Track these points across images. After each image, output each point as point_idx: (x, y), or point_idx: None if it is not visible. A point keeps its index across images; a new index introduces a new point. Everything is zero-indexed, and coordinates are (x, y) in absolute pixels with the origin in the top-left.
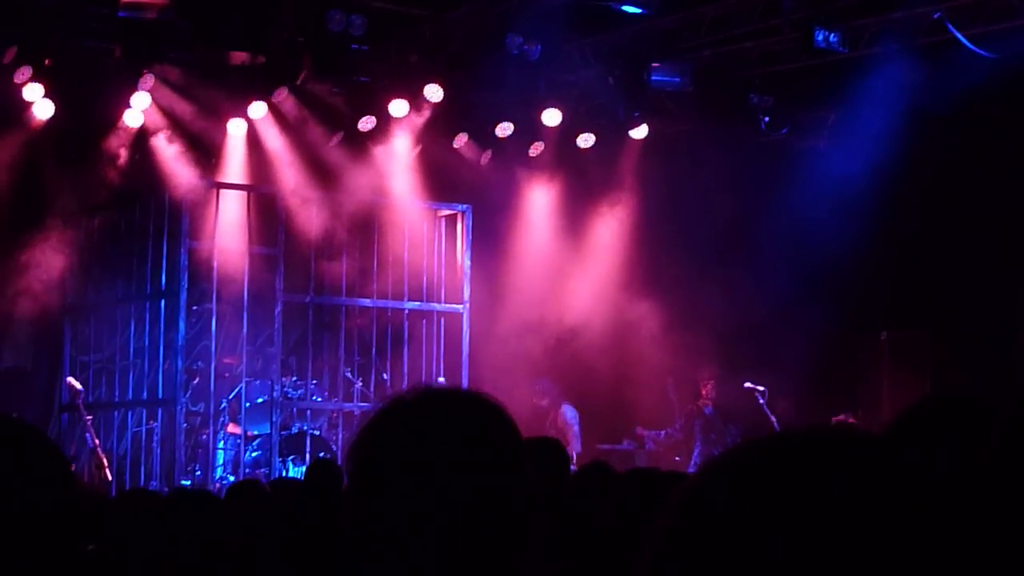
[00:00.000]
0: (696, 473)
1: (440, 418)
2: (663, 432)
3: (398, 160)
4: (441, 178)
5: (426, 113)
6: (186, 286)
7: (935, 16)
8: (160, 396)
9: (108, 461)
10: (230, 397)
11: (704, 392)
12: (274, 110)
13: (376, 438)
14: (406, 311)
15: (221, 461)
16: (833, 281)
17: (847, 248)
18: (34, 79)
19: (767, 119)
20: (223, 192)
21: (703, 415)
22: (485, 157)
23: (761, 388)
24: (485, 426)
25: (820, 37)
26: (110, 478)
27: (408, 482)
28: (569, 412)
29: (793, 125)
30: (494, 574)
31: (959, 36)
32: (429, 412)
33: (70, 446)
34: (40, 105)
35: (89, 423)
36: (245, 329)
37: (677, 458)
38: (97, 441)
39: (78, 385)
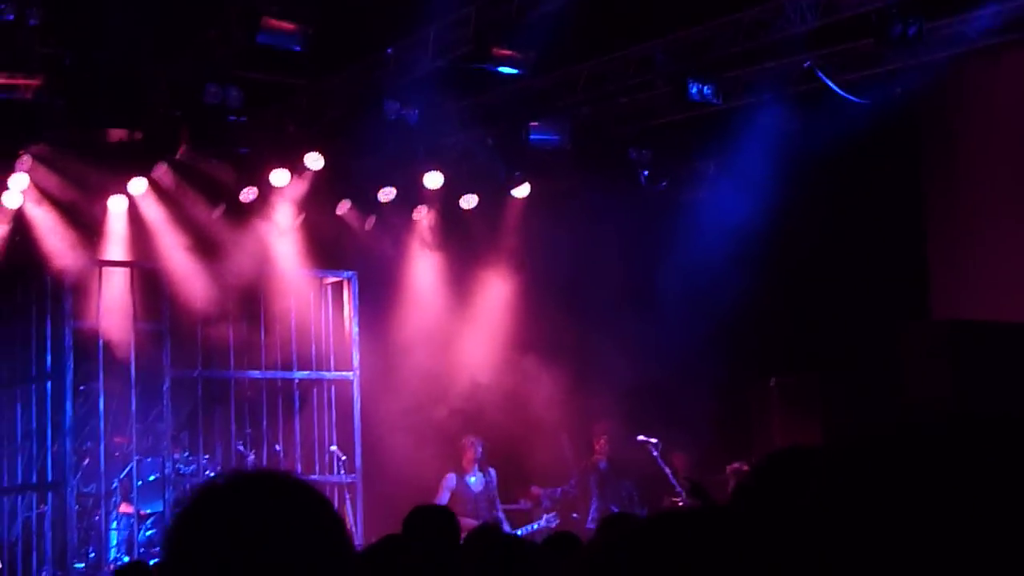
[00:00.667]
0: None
1: (251, 504)
2: (559, 489)
3: (282, 229)
4: (326, 245)
5: (307, 181)
6: (72, 366)
7: (806, 65)
8: (50, 479)
9: None
10: (121, 476)
11: (598, 447)
12: (154, 185)
13: (185, 526)
14: (296, 380)
15: (115, 542)
16: (724, 329)
17: (735, 296)
18: None
19: (646, 173)
20: (106, 269)
21: (597, 470)
22: (369, 223)
23: (654, 440)
24: (300, 511)
25: (694, 90)
26: (0, 565)
27: (216, 570)
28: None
29: (673, 177)
30: None
31: (830, 84)
32: (239, 498)
33: None
34: None
35: None
36: (134, 406)
37: (575, 515)
38: None
39: None
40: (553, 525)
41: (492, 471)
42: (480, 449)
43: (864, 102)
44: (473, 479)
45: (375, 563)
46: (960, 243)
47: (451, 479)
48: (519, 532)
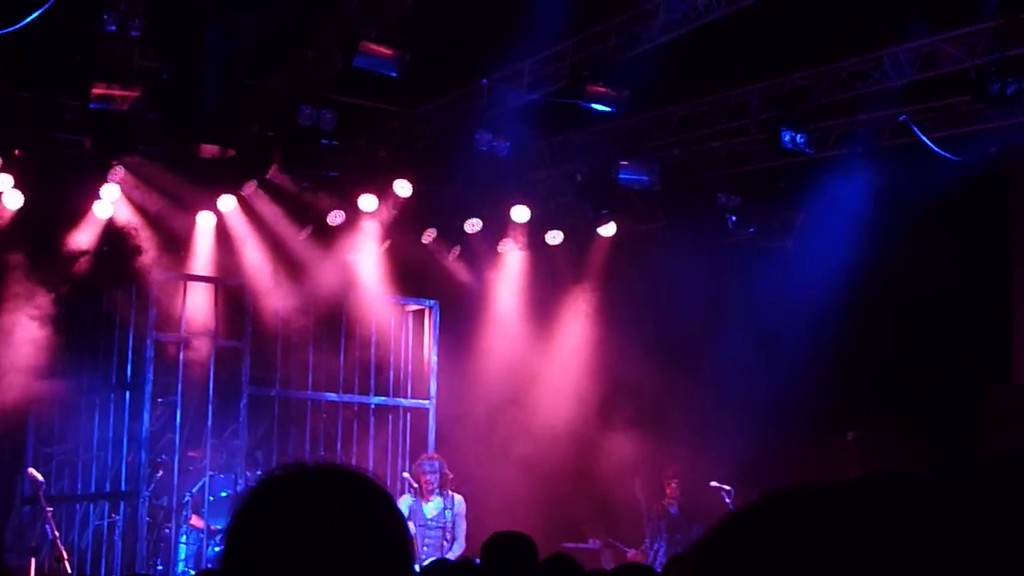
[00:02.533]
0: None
1: (310, 496)
2: (645, 543)
3: (367, 254)
4: (409, 273)
5: (395, 208)
6: (151, 378)
7: (900, 119)
8: (123, 489)
9: (68, 554)
10: (194, 490)
11: (668, 491)
12: (243, 203)
13: (245, 517)
14: (372, 406)
15: (183, 555)
16: (802, 380)
17: (816, 347)
18: (3, 170)
19: (734, 218)
20: (191, 284)
21: (668, 515)
22: (453, 252)
23: (727, 488)
24: (358, 504)
25: (787, 138)
26: (69, 571)
27: (275, 562)
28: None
29: (760, 224)
30: None
31: (924, 139)
32: (299, 489)
33: (31, 538)
34: (9, 196)
35: (50, 515)
36: (210, 422)
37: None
38: (57, 533)
39: (40, 477)
40: None
41: (453, 497)
42: (433, 474)
43: (957, 159)
44: (428, 505)
45: None
46: None
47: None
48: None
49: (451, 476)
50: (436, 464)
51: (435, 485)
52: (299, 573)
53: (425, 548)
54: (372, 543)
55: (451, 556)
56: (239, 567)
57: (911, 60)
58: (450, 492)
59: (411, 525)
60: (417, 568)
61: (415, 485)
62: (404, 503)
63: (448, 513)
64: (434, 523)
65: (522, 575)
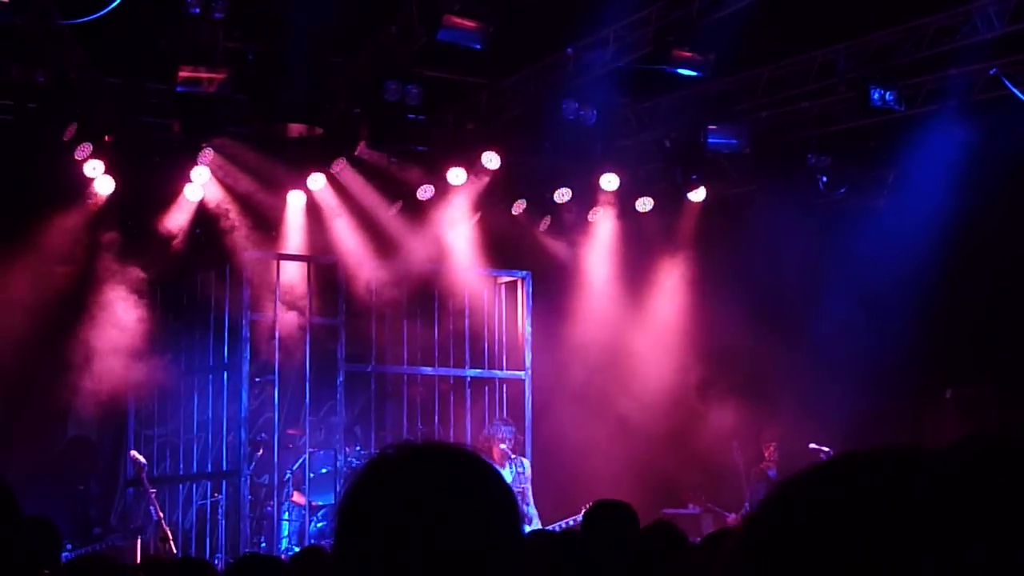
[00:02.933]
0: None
1: (423, 475)
2: (745, 507)
3: (457, 227)
4: (500, 244)
5: (484, 180)
6: (248, 358)
7: (991, 72)
8: (224, 468)
9: (173, 534)
10: (294, 468)
11: (767, 454)
12: (333, 180)
13: (358, 496)
14: (468, 378)
15: (286, 532)
16: (900, 338)
17: (913, 305)
18: (94, 155)
19: (825, 179)
20: (284, 263)
21: (767, 478)
22: (544, 223)
23: (826, 449)
24: (471, 483)
25: (876, 96)
26: (175, 551)
27: (390, 541)
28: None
29: (851, 184)
30: None
31: (1016, 92)
32: (412, 469)
33: (135, 519)
34: (101, 181)
35: (153, 496)
36: (308, 399)
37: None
38: (161, 514)
39: (142, 459)
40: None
41: (523, 461)
42: (508, 440)
43: None
44: (504, 471)
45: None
46: None
47: None
48: (557, 526)
49: (522, 440)
50: (512, 430)
51: (509, 450)
52: (413, 551)
53: None
54: (485, 520)
55: (527, 527)
56: (352, 545)
57: (1000, 12)
58: (520, 457)
59: None
60: None
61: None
62: None
63: (522, 478)
64: (516, 488)
65: (625, 542)
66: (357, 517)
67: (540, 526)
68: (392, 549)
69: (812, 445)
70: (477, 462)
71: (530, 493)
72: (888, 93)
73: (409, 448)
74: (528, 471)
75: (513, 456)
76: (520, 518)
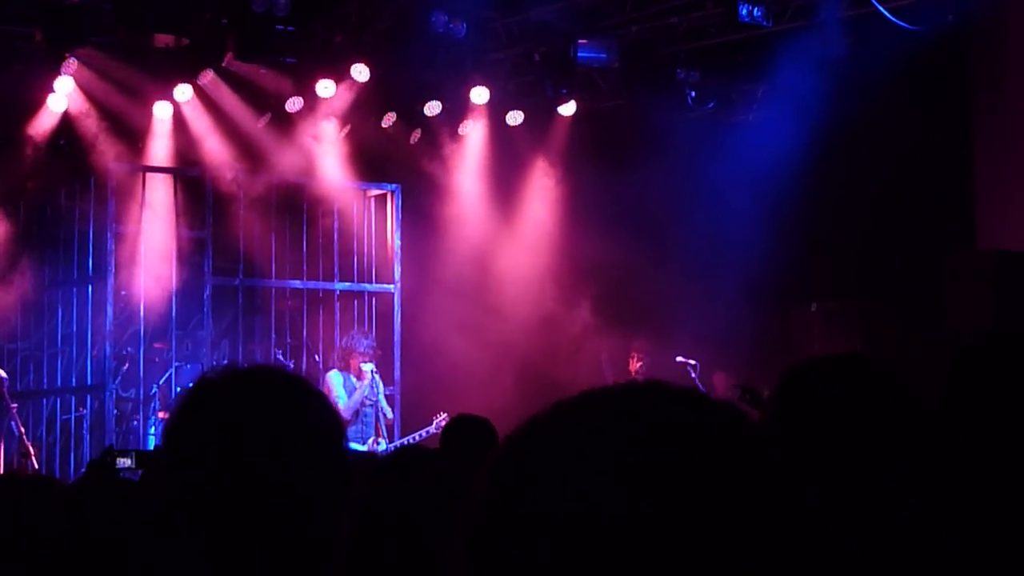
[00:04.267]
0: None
1: (243, 399)
2: None
3: (326, 140)
4: (370, 158)
5: (354, 93)
6: (113, 270)
7: None
8: (89, 383)
9: (36, 450)
10: (161, 382)
11: (635, 367)
12: (200, 92)
13: (181, 420)
14: (337, 292)
15: (153, 447)
16: (766, 253)
17: (779, 219)
18: None
19: (694, 93)
20: (150, 175)
21: None
22: (414, 136)
23: (693, 362)
24: (292, 406)
25: (744, 11)
26: (36, 466)
27: (209, 464)
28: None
29: (720, 99)
30: (293, 565)
31: (881, 9)
32: (233, 393)
33: None
34: None
35: (15, 412)
36: (175, 313)
37: None
38: (23, 429)
39: (3, 373)
40: (440, 429)
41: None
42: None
43: (915, 28)
44: (363, 381)
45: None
46: (1008, 173)
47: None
48: (410, 439)
49: (379, 353)
50: (371, 342)
51: (369, 361)
52: (231, 474)
53: (363, 420)
54: (305, 444)
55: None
56: (173, 468)
57: None
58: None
59: (351, 398)
60: (364, 448)
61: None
62: (336, 379)
63: (376, 390)
64: (369, 400)
65: (482, 455)
66: (179, 441)
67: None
68: (211, 472)
69: (679, 358)
70: (299, 385)
71: (385, 405)
72: (756, 9)
73: (232, 372)
74: (380, 384)
75: (370, 367)
76: (342, 442)
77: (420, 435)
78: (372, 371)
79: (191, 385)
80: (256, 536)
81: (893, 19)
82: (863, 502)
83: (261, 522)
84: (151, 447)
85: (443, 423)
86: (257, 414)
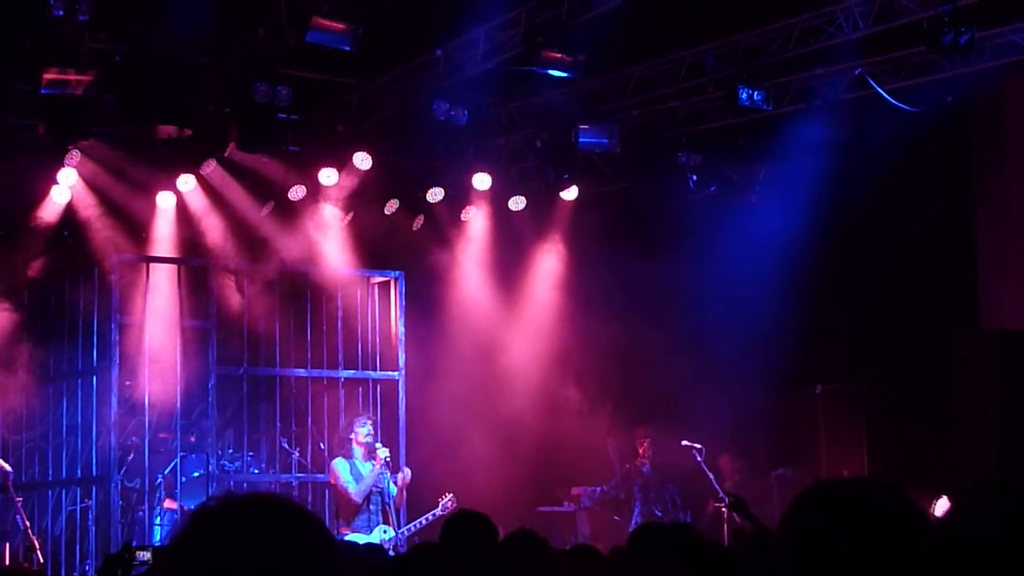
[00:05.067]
0: None
1: (243, 527)
2: (599, 489)
3: (329, 228)
4: (373, 245)
5: (356, 180)
6: (118, 361)
7: (857, 72)
8: (94, 473)
9: (42, 542)
10: (166, 472)
11: (641, 451)
12: (203, 182)
13: (181, 548)
14: (341, 379)
15: (159, 537)
16: (770, 335)
17: (783, 302)
18: None
19: (695, 177)
20: (153, 266)
21: (641, 474)
22: (417, 223)
23: (698, 446)
24: (292, 535)
25: (744, 95)
26: (42, 560)
27: None
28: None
29: (722, 182)
30: None
31: (881, 91)
32: (233, 521)
33: (2, 525)
34: None
35: (20, 504)
36: (179, 403)
37: (616, 517)
38: (28, 523)
39: (7, 466)
40: (448, 511)
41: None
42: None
43: (915, 110)
44: (366, 464)
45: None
46: (1010, 252)
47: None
48: (417, 524)
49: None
50: (372, 420)
51: (373, 446)
52: None
53: (370, 508)
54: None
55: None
56: None
57: (865, 13)
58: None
59: (362, 482)
60: (371, 536)
61: (387, 458)
62: (342, 466)
63: (384, 476)
64: (376, 487)
65: (483, 553)
66: (180, 570)
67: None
68: None
69: (684, 442)
70: (297, 512)
71: (393, 490)
72: (756, 92)
73: (230, 500)
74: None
75: (385, 451)
76: (341, 568)
77: (427, 519)
78: (386, 457)
79: (190, 514)
80: None
81: (893, 101)
82: None
83: None
84: (156, 537)
85: (449, 504)
86: (254, 548)
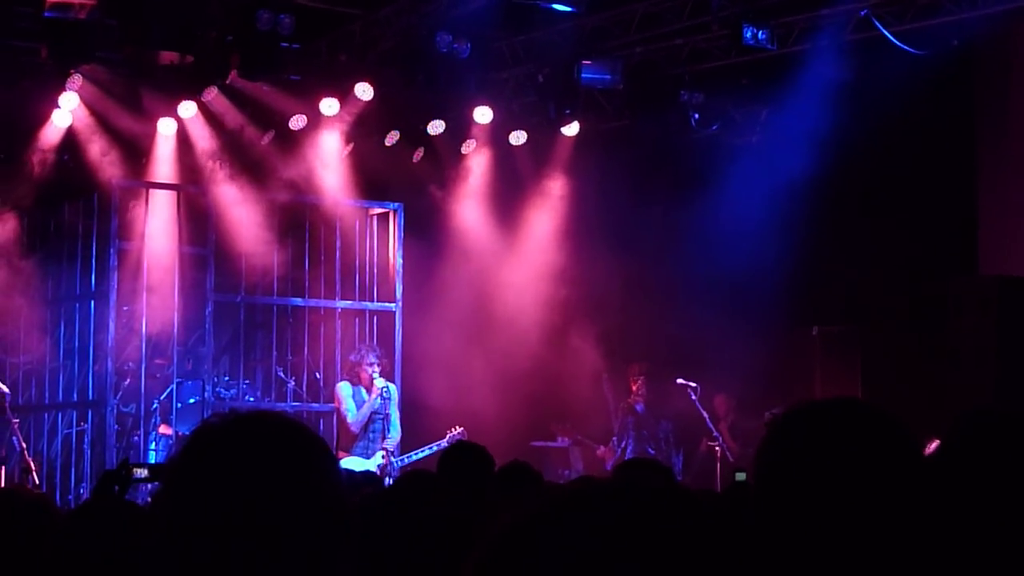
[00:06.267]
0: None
1: (244, 445)
2: (613, 440)
3: (329, 158)
4: (372, 176)
5: (357, 111)
6: (116, 286)
7: (862, 13)
8: (90, 398)
9: (37, 465)
10: (162, 398)
11: (635, 388)
12: (204, 109)
13: (182, 466)
14: (338, 310)
15: (153, 462)
16: (768, 276)
17: (782, 243)
18: None
19: (697, 115)
20: (153, 192)
21: (634, 412)
22: (417, 155)
23: (693, 384)
24: (292, 453)
25: (748, 34)
26: (37, 482)
27: (210, 512)
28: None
29: (724, 121)
30: None
31: (886, 33)
32: (234, 439)
33: None
34: None
35: (16, 426)
36: (176, 329)
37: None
38: (24, 445)
39: (5, 388)
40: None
41: (391, 387)
42: (375, 364)
43: (920, 53)
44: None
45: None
46: (1011, 199)
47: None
48: (423, 451)
49: (387, 364)
50: (378, 354)
51: (378, 375)
52: (232, 522)
53: (369, 435)
54: (305, 490)
55: (389, 445)
56: (174, 515)
57: None
58: (388, 383)
59: (360, 411)
60: (369, 463)
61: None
62: (345, 390)
63: (388, 403)
64: (380, 413)
65: (478, 484)
66: (180, 488)
67: (397, 452)
68: (210, 521)
69: (679, 380)
70: (299, 431)
71: (396, 418)
72: (761, 32)
73: (232, 418)
74: (395, 396)
75: (382, 381)
76: (341, 487)
77: (432, 448)
78: (384, 385)
79: (193, 429)
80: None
81: (898, 43)
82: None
83: (260, 572)
84: (151, 462)
85: (457, 437)
86: (258, 463)
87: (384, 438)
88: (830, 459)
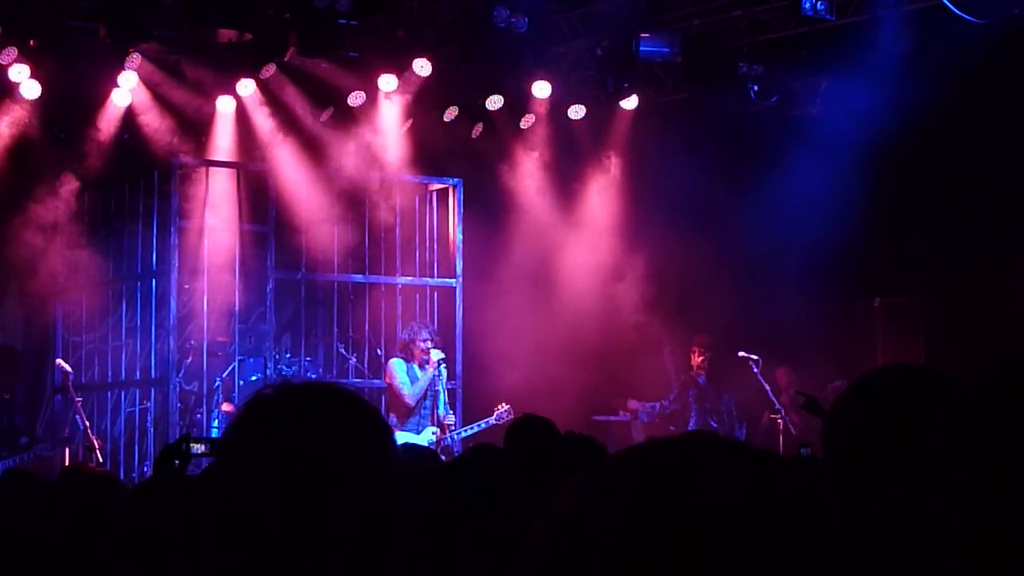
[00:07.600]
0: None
1: (299, 416)
2: (657, 405)
3: (388, 135)
4: (432, 152)
5: (415, 87)
6: (177, 264)
7: None
8: (153, 376)
9: (102, 443)
10: (224, 375)
11: (697, 362)
12: (262, 87)
13: (236, 438)
14: (399, 286)
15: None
16: (827, 248)
17: (844, 215)
18: (19, 60)
19: (756, 87)
20: (213, 170)
21: (697, 385)
22: (476, 130)
23: (755, 357)
24: (346, 424)
25: (807, 5)
26: (101, 460)
27: (266, 483)
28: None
29: (784, 93)
30: (355, 569)
31: (946, 1)
32: (288, 410)
33: (63, 429)
34: (27, 86)
35: (79, 405)
36: (237, 307)
37: (672, 428)
38: (88, 423)
39: (68, 367)
40: (503, 420)
41: (441, 366)
42: (428, 340)
43: (981, 21)
44: (424, 370)
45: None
46: None
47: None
48: (472, 428)
49: (439, 340)
50: (432, 330)
51: (432, 347)
52: (287, 492)
53: (421, 411)
54: (359, 460)
55: (450, 420)
56: (230, 486)
57: None
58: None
59: (414, 385)
60: (420, 438)
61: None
62: (399, 366)
63: (438, 380)
64: (431, 390)
65: (544, 456)
66: (233, 459)
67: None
68: (264, 491)
69: (741, 353)
70: (354, 401)
71: (444, 397)
72: (819, 2)
73: (286, 389)
74: (445, 374)
75: (439, 353)
76: (395, 455)
77: (480, 425)
78: (440, 360)
79: (246, 401)
80: (309, 555)
81: (958, 12)
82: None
83: (313, 541)
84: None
85: (504, 415)
86: (311, 434)
87: (433, 415)
88: (911, 421)
